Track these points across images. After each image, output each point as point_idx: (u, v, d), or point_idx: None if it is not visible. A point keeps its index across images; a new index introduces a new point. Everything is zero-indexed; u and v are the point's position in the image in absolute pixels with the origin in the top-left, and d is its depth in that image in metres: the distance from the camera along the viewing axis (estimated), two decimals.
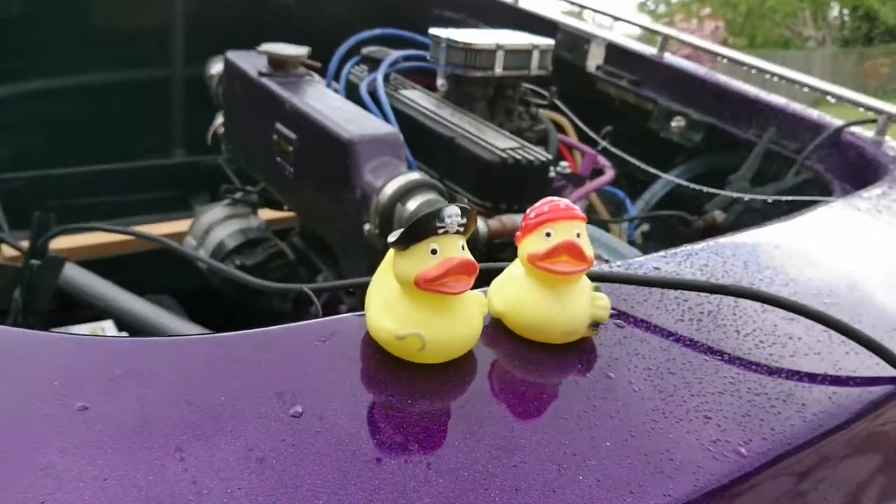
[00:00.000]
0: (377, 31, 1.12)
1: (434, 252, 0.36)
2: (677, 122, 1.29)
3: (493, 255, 0.79)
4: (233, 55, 1.02)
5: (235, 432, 0.32)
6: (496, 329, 0.43)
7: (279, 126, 0.89)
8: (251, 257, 1.06)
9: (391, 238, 0.37)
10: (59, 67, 1.72)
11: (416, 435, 0.34)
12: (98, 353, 0.37)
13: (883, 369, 0.44)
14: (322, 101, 0.86)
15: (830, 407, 0.41)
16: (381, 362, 0.38)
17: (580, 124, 1.22)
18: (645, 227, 1.24)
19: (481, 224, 0.77)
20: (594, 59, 1.44)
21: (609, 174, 1.05)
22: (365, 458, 0.32)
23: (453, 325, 0.38)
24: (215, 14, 1.77)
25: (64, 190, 1.62)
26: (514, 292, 0.42)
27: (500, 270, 0.45)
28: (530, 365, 0.41)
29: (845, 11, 15.25)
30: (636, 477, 0.33)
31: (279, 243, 1.10)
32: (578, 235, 0.41)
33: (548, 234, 0.41)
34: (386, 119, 0.91)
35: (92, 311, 0.92)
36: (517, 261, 0.43)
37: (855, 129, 1.10)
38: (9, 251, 1.16)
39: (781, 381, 0.42)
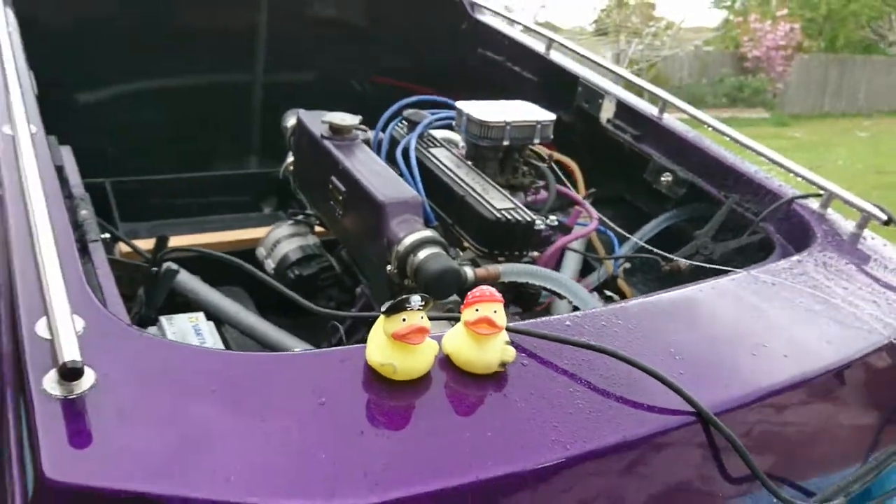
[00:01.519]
0: (416, 98, 1.41)
1: (404, 320, 0.65)
2: (666, 178, 1.54)
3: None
4: (304, 115, 1.33)
5: (294, 410, 0.62)
6: (446, 362, 0.71)
7: (334, 179, 1.19)
8: (307, 269, 1.38)
9: (382, 308, 0.66)
10: (156, 76, 2.07)
11: (391, 413, 0.63)
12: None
13: (684, 406, 0.71)
14: (366, 165, 1.16)
15: (637, 427, 0.69)
16: (374, 377, 0.67)
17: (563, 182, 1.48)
18: (627, 264, 1.49)
19: (469, 271, 1.05)
20: (606, 113, 1.70)
21: (592, 225, 1.32)
22: (360, 424, 0.62)
23: (413, 361, 0.67)
24: (296, 29, 2.07)
25: (162, 192, 1.97)
26: (456, 341, 0.71)
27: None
28: (462, 383, 0.69)
29: None
30: (506, 446, 0.62)
31: (330, 259, 1.41)
32: (496, 312, 0.69)
33: (476, 310, 0.69)
34: (413, 179, 1.21)
35: (189, 304, 1.25)
36: (461, 321, 0.72)
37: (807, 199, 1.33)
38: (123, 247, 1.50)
39: (609, 406, 0.70)
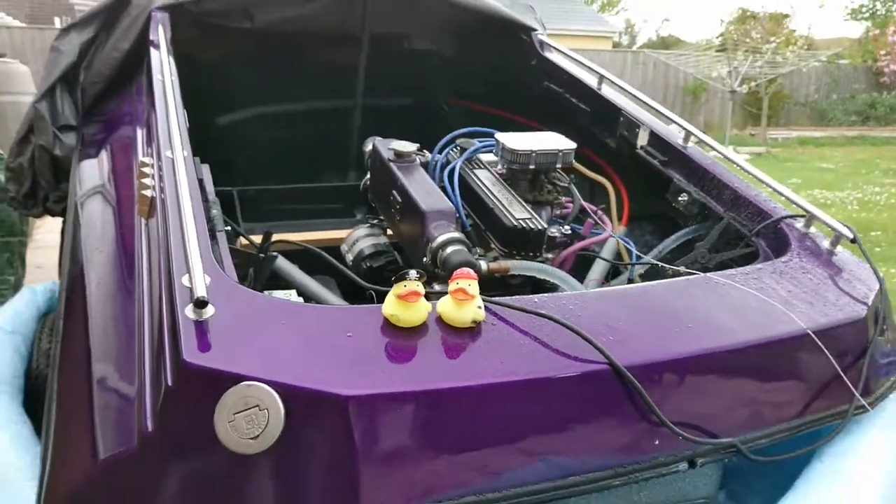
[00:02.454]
0: (466, 130, 1.76)
1: (405, 286, 1.01)
2: (683, 198, 1.81)
3: (494, 282, 1.42)
4: (378, 142, 1.71)
5: (335, 338, 0.99)
6: (438, 319, 1.06)
7: (394, 192, 1.56)
8: (377, 262, 1.75)
9: (393, 279, 1.01)
10: (276, 103, 2.54)
11: (395, 344, 0.99)
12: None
13: (601, 358, 1.02)
14: (417, 182, 1.53)
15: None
16: (385, 324, 1.03)
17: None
18: (641, 269, 1.77)
19: (484, 264, 1.39)
20: (641, 140, 1.98)
21: (603, 235, 1.62)
22: (374, 348, 0.97)
23: (411, 314, 1.02)
24: (391, 61, 2.48)
25: (275, 198, 2.43)
26: (444, 304, 1.05)
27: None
28: (445, 332, 1.03)
29: None
30: (468, 369, 0.96)
31: (396, 255, 1.78)
32: (469, 285, 1.03)
33: (457, 284, 1.03)
34: (453, 195, 1.56)
35: (287, 284, 1.65)
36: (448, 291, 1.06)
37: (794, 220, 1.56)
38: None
39: (547, 354, 1.01)
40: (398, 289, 1.01)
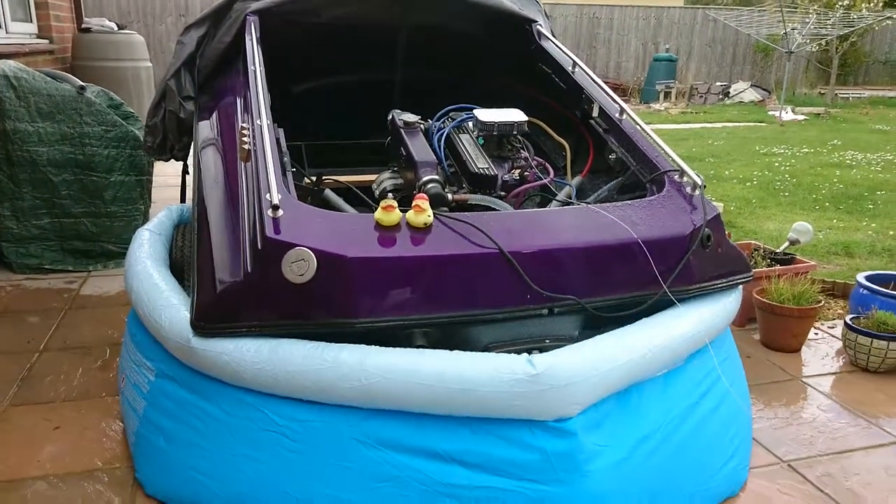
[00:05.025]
0: (456, 107, 2.53)
1: (386, 202, 1.82)
2: (612, 156, 2.54)
3: (460, 207, 2.20)
4: (395, 113, 2.51)
5: (345, 230, 1.81)
6: (408, 223, 1.86)
7: (401, 148, 2.36)
8: (395, 195, 2.56)
9: (380, 199, 1.82)
10: (332, 76, 3.36)
11: (379, 235, 1.80)
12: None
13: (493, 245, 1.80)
14: (417, 142, 2.32)
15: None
16: (375, 224, 1.84)
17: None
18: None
19: (450, 196, 2.17)
20: (594, 113, 2.70)
21: (545, 181, 2.37)
22: (366, 237, 1.79)
23: (390, 219, 1.83)
24: (423, 47, 3.24)
25: (333, 150, 3.27)
26: (409, 213, 1.85)
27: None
28: (408, 229, 1.84)
29: None
30: (416, 247, 1.77)
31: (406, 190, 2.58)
32: (422, 203, 1.83)
33: (416, 203, 1.83)
34: (439, 151, 2.34)
35: (332, 207, 2.49)
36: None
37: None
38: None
39: (468, 243, 1.81)
40: (383, 204, 1.82)
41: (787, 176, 6.54)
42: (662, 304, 2.00)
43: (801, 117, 11.35)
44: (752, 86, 14.75)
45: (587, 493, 1.68)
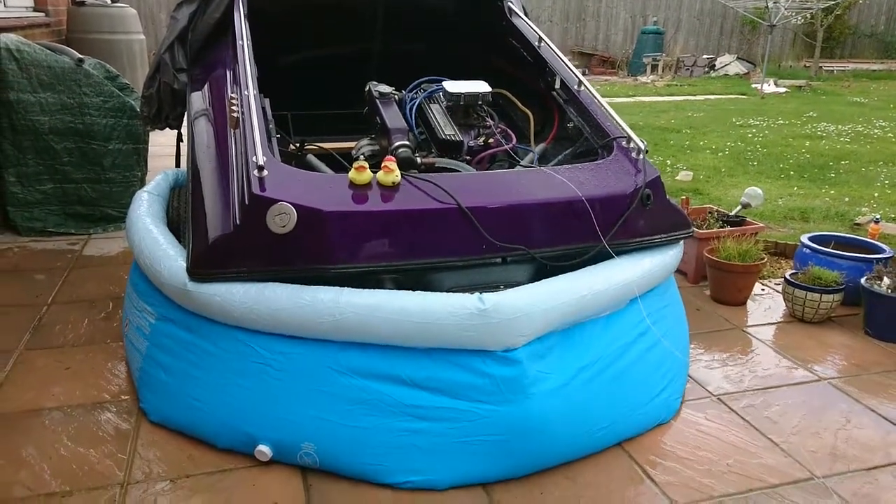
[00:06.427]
0: (427, 79, 2.77)
1: (358, 163, 2.07)
2: (570, 125, 2.79)
3: (429, 169, 2.45)
4: (371, 84, 2.75)
5: (322, 187, 2.06)
6: (378, 182, 2.11)
7: (377, 117, 2.61)
8: (372, 160, 2.80)
9: (354, 161, 2.07)
10: (316, 49, 3.58)
11: (353, 193, 2.06)
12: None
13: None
14: (389, 111, 2.56)
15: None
16: (349, 183, 2.09)
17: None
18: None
19: (419, 160, 2.41)
20: (556, 85, 2.94)
21: (507, 147, 2.62)
22: (341, 195, 2.05)
23: (362, 178, 2.08)
24: (400, 23, 3.46)
25: (316, 119, 3.51)
26: (380, 174, 2.11)
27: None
28: (379, 188, 2.09)
29: None
30: (385, 200, 2.03)
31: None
32: (390, 164, 2.08)
33: (385, 164, 2.09)
34: (410, 118, 2.59)
35: (313, 169, 2.73)
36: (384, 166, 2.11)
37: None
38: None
39: (432, 198, 2.07)
40: (355, 165, 2.07)
41: (758, 146, 6.80)
42: (608, 256, 2.27)
43: (783, 90, 11.57)
44: (738, 59, 14.92)
45: (531, 411, 1.96)
